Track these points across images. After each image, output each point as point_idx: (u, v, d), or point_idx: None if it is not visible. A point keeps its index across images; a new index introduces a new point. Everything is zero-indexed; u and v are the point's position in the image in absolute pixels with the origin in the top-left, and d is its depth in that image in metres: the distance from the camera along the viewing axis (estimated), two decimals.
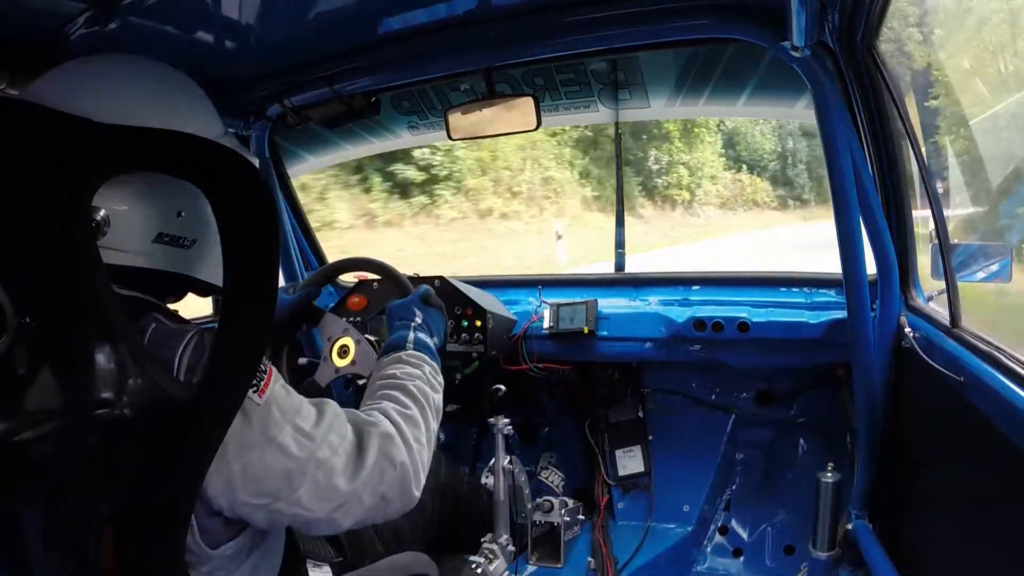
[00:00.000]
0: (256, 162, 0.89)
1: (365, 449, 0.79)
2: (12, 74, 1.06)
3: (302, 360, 1.36)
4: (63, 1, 0.97)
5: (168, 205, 0.77)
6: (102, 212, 0.72)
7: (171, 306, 0.84)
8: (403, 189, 8.60)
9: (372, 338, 1.31)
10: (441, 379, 0.99)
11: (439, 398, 0.95)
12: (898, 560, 1.27)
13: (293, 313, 1.32)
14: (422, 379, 0.94)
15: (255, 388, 0.71)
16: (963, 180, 1.39)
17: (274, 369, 0.75)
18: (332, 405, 0.80)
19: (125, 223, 0.74)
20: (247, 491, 0.72)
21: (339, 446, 0.77)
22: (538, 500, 1.60)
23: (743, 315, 1.59)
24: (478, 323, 1.63)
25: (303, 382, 1.32)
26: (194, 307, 1.02)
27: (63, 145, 0.68)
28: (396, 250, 7.68)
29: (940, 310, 1.21)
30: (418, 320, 1.06)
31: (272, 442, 0.72)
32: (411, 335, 1.01)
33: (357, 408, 0.95)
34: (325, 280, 1.38)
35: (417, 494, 0.83)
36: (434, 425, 0.91)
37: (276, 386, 0.74)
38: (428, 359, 0.99)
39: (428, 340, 1.03)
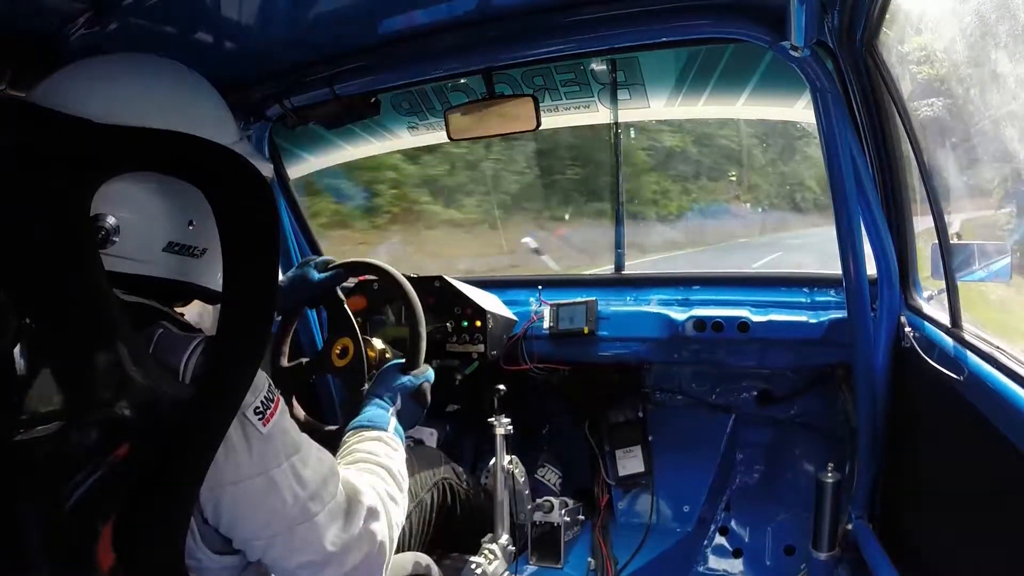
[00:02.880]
0: (270, 168, 0.89)
1: (352, 518, 0.80)
2: (13, 73, 1.06)
3: (303, 360, 1.36)
4: (63, 1, 0.97)
5: (180, 214, 0.77)
6: (112, 220, 0.72)
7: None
8: None
9: (378, 345, 1.31)
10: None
11: (407, 483, 0.98)
12: (898, 560, 1.27)
13: (318, 292, 1.32)
14: (400, 463, 0.97)
15: (261, 416, 0.72)
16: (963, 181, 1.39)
17: (282, 400, 0.76)
18: (331, 459, 0.81)
19: (135, 232, 0.74)
20: (231, 516, 0.73)
21: (328, 504, 0.78)
22: (538, 500, 1.59)
23: (743, 315, 1.59)
24: (478, 323, 1.63)
25: (298, 370, 1.33)
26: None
27: (61, 145, 0.69)
28: None
29: (940, 310, 1.21)
30: (396, 407, 1.08)
31: (266, 475, 0.72)
32: (392, 422, 1.04)
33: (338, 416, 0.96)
34: (356, 270, 1.37)
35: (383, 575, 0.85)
36: (406, 511, 0.94)
37: (283, 420, 0.75)
38: (400, 448, 1.02)
39: (401, 429, 1.06)
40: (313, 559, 0.77)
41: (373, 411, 1.05)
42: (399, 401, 1.09)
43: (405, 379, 1.12)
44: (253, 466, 0.72)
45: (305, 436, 0.79)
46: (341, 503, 0.79)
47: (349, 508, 0.80)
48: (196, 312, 1.10)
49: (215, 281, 0.82)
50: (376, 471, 0.91)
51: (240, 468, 0.71)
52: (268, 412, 0.73)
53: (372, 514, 0.82)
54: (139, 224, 0.74)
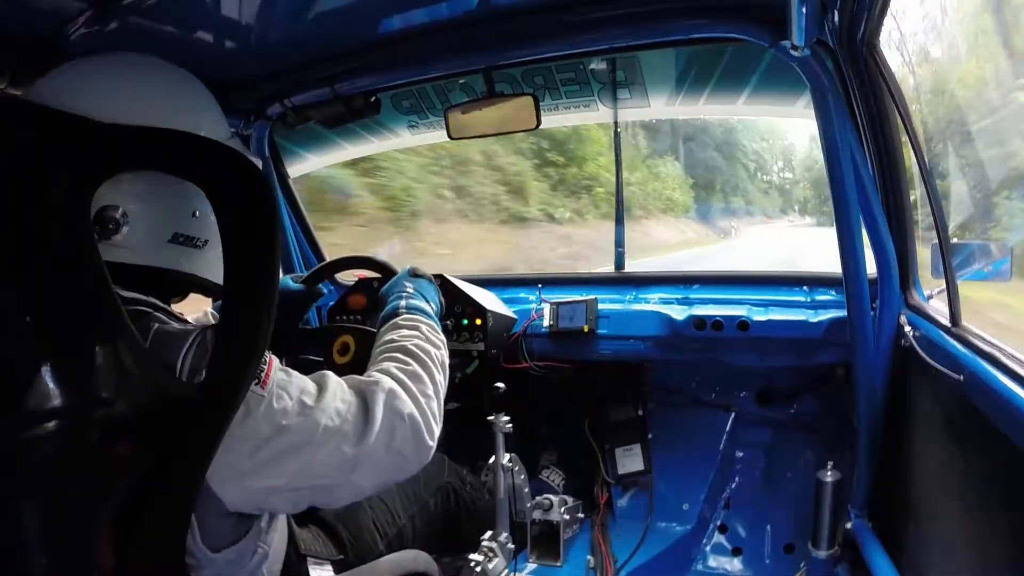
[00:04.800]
0: (258, 163, 0.90)
1: (372, 409, 0.80)
2: (12, 73, 1.06)
3: (302, 357, 1.36)
4: (63, 1, 0.97)
5: (185, 205, 0.78)
6: (120, 210, 0.73)
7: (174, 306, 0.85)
8: None
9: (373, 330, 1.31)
10: (442, 336, 1.00)
11: (441, 353, 0.96)
12: (897, 559, 1.27)
13: (299, 299, 1.33)
14: (420, 337, 0.95)
15: (257, 380, 0.72)
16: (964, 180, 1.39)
17: (274, 357, 0.76)
18: (331, 376, 0.81)
19: (143, 222, 0.75)
20: (261, 478, 0.72)
21: (345, 412, 0.78)
22: (537, 498, 1.60)
23: (743, 314, 1.59)
24: (478, 321, 1.63)
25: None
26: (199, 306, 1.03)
27: (63, 144, 0.69)
28: None
29: (940, 309, 1.21)
30: (409, 290, 1.07)
31: (278, 427, 0.73)
32: (403, 302, 1.03)
33: None
34: (326, 275, 1.38)
35: (432, 444, 0.84)
36: (440, 378, 0.92)
37: (276, 373, 0.75)
38: (423, 319, 1.00)
39: (422, 304, 1.05)
40: (354, 465, 0.77)
41: (385, 310, 1.04)
42: (408, 285, 1.08)
43: (394, 278, 1.13)
44: (263, 425, 0.72)
45: (294, 372, 0.79)
46: (357, 403, 0.80)
47: (366, 403, 0.80)
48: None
49: (214, 273, 0.83)
50: (391, 356, 0.91)
51: (249, 431, 0.71)
52: (263, 376, 0.73)
53: (389, 395, 0.82)
54: (146, 214, 0.75)
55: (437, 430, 0.86)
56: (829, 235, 1.33)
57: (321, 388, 0.78)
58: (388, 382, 0.84)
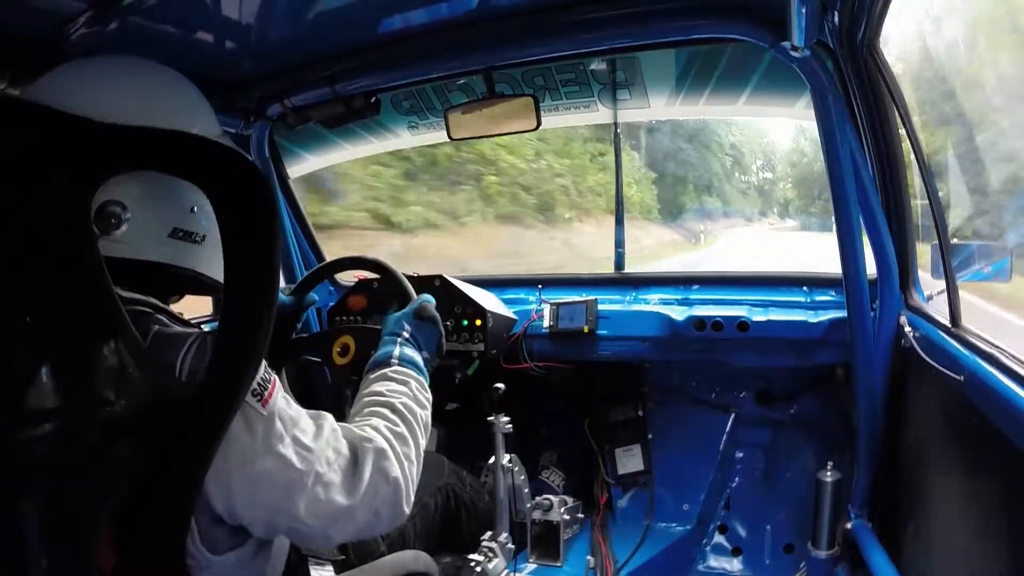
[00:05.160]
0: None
1: (361, 465, 0.79)
2: (13, 73, 1.06)
3: (302, 359, 1.36)
4: (63, 1, 0.97)
5: (183, 200, 0.79)
6: (121, 205, 0.73)
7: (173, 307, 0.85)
8: None
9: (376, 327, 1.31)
10: (428, 395, 0.99)
11: (426, 414, 0.95)
12: (897, 559, 1.27)
13: (287, 320, 1.32)
14: (408, 396, 0.95)
15: (259, 397, 0.72)
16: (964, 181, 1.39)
17: (277, 379, 0.76)
18: (329, 419, 0.81)
19: (143, 217, 0.76)
20: (246, 502, 0.72)
21: (336, 461, 0.77)
22: (537, 499, 1.60)
23: (743, 314, 1.59)
24: (478, 322, 1.63)
25: (303, 380, 1.32)
26: (196, 306, 1.01)
27: (64, 144, 0.69)
28: None
29: (940, 309, 1.21)
30: (406, 334, 1.06)
31: (272, 452, 0.72)
32: (397, 350, 1.02)
33: (346, 417, 0.95)
34: (314, 283, 1.37)
35: (407, 510, 0.84)
36: (422, 441, 0.91)
37: (278, 396, 0.75)
38: (414, 374, 0.99)
39: (415, 355, 1.03)
40: (334, 518, 0.77)
41: (379, 352, 1.03)
42: (408, 328, 1.07)
43: (404, 310, 1.11)
44: (259, 447, 0.71)
45: (294, 403, 0.78)
46: (348, 456, 0.79)
47: (356, 458, 0.80)
48: None
49: (212, 269, 0.83)
50: (379, 412, 0.90)
51: (246, 452, 0.71)
52: (266, 393, 0.72)
53: (380, 455, 0.82)
54: (146, 209, 0.76)
55: (413, 497, 0.85)
56: (814, 240, 1.32)
57: (318, 428, 0.78)
58: (380, 441, 0.83)
